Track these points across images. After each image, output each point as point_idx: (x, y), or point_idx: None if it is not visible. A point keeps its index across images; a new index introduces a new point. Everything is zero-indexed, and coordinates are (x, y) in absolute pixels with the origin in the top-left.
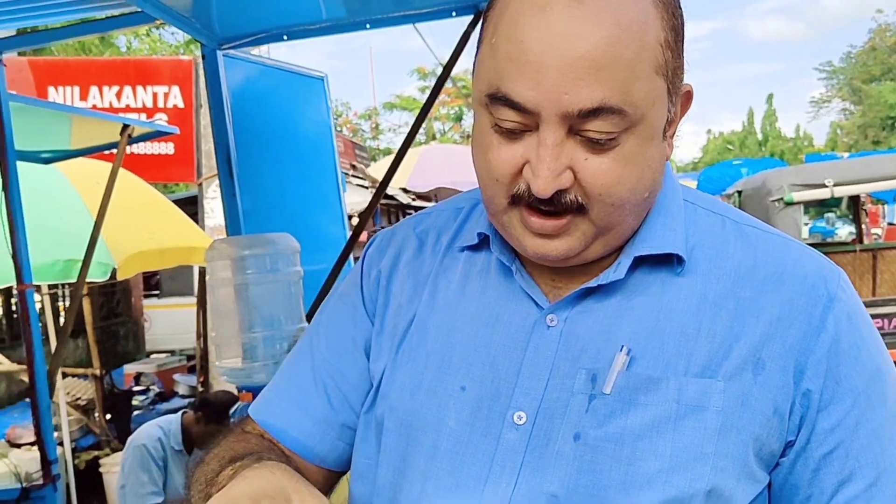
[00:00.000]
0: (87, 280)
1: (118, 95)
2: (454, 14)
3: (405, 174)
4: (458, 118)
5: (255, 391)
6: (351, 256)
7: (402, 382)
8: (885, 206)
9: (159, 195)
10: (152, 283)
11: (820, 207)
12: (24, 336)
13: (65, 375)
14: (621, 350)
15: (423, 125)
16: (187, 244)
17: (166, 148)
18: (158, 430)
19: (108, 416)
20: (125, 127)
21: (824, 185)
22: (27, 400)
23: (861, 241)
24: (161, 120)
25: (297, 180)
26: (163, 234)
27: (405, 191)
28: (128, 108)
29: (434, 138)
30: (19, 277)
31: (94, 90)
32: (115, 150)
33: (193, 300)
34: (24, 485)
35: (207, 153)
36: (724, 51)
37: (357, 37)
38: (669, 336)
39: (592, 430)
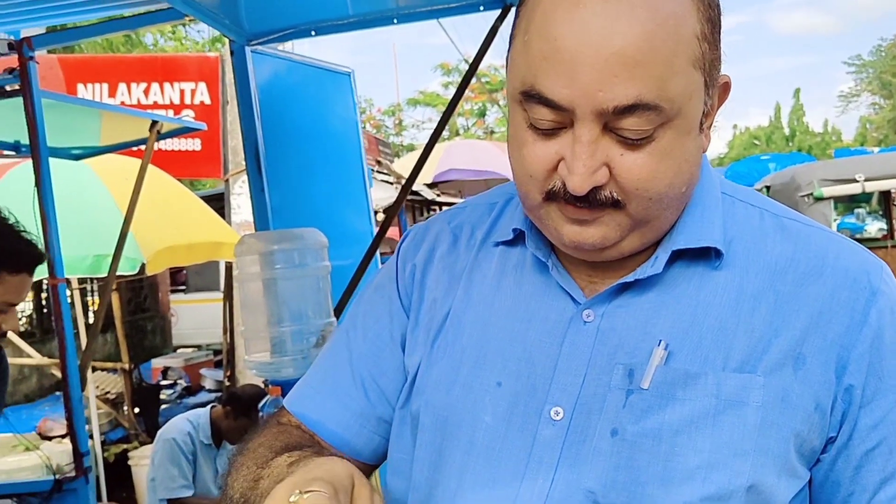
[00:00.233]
0: (116, 275)
1: (146, 92)
2: (482, 8)
3: (429, 170)
4: (482, 114)
5: (283, 385)
6: (378, 252)
7: (438, 378)
8: None
9: (187, 191)
10: (179, 278)
11: (849, 203)
12: (56, 330)
13: (94, 369)
14: (659, 345)
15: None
16: (215, 239)
17: (193, 144)
18: (188, 423)
19: (137, 410)
20: (154, 123)
21: (855, 181)
22: (58, 393)
23: (892, 237)
24: (188, 116)
25: (325, 176)
26: (191, 229)
27: (430, 186)
28: (155, 105)
29: (458, 134)
30: (52, 272)
31: (122, 87)
32: (143, 147)
33: (220, 295)
34: (57, 476)
35: (234, 149)
36: (751, 45)
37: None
38: (707, 330)
39: (630, 425)
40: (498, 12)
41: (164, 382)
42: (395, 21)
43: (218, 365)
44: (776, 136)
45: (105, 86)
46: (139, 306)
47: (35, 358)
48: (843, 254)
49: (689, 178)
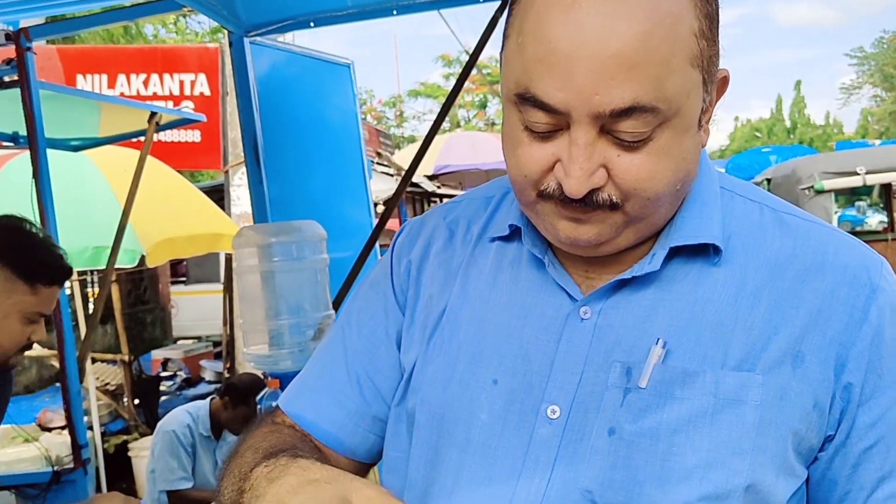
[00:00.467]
0: (116, 267)
1: (145, 83)
2: (481, 0)
3: (430, 162)
4: (483, 105)
5: (282, 378)
6: (377, 244)
7: (434, 375)
8: None
9: (186, 182)
10: (179, 270)
11: (850, 196)
12: (54, 322)
13: (94, 361)
14: (657, 343)
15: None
16: (214, 231)
17: (193, 136)
18: (187, 415)
19: (137, 402)
20: (153, 114)
21: (856, 173)
22: (57, 384)
23: (892, 230)
24: (187, 108)
25: (324, 168)
26: (190, 220)
27: (430, 178)
28: (155, 96)
29: (458, 126)
30: None
31: (121, 78)
32: (142, 138)
33: (220, 287)
34: (56, 468)
35: (233, 141)
36: (752, 37)
37: (381, 24)
38: (706, 328)
39: (627, 424)
40: (498, 3)
41: (164, 374)
42: (395, 12)
43: (218, 356)
44: (777, 129)
45: (104, 77)
46: (139, 298)
47: (35, 349)
48: (842, 250)
49: (687, 174)
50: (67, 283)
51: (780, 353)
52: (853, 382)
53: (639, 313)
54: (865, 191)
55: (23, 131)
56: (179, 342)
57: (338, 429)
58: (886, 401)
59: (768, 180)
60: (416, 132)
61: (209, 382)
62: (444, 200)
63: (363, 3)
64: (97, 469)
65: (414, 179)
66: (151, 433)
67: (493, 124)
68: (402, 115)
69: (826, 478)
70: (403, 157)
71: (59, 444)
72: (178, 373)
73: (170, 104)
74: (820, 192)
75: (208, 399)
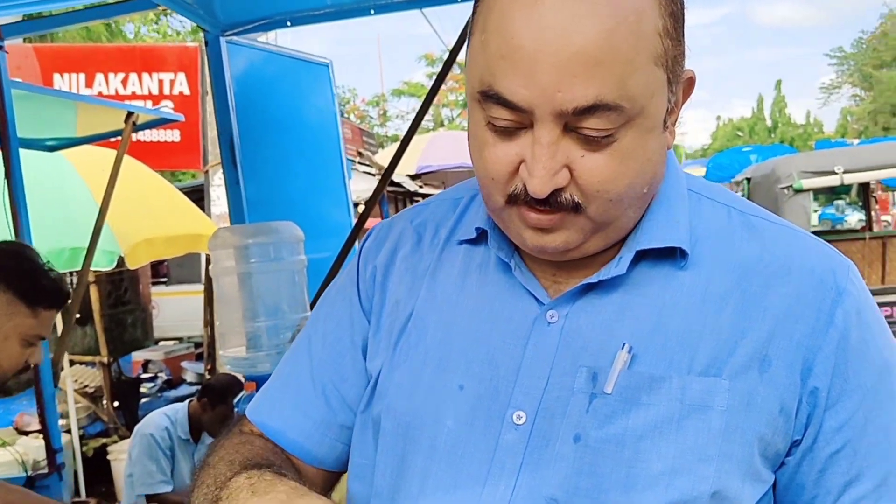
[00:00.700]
0: (94, 268)
1: (124, 82)
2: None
3: (413, 161)
4: (466, 105)
5: (259, 380)
6: (356, 244)
7: (400, 381)
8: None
9: (165, 182)
10: (160, 270)
11: (829, 195)
12: None
13: (73, 363)
14: (623, 348)
15: (431, 112)
16: (194, 231)
17: (172, 135)
18: (165, 418)
19: (116, 404)
20: (130, 114)
21: (834, 173)
22: None
23: (871, 229)
24: (167, 107)
25: (302, 168)
26: (169, 221)
27: (413, 178)
28: (134, 96)
29: (442, 125)
30: None
31: (99, 77)
32: (120, 138)
33: (201, 287)
34: (30, 473)
35: (213, 141)
36: (734, 37)
37: (365, 23)
38: (672, 333)
39: (593, 430)
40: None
41: (144, 376)
42: (373, 11)
43: (199, 358)
44: (759, 128)
45: (82, 76)
46: (119, 299)
47: None
48: (809, 253)
49: (652, 176)
50: None
51: (747, 357)
52: (819, 387)
53: (605, 317)
54: (844, 190)
55: None
56: (161, 343)
57: (304, 438)
58: (852, 405)
59: (748, 179)
60: (400, 131)
61: (190, 384)
62: None
63: (340, 2)
64: (76, 473)
65: (396, 179)
66: (130, 436)
67: None
68: (386, 115)
69: (793, 482)
70: (386, 157)
71: (35, 448)
72: (159, 374)
73: (149, 103)
74: (799, 191)
75: (186, 402)
